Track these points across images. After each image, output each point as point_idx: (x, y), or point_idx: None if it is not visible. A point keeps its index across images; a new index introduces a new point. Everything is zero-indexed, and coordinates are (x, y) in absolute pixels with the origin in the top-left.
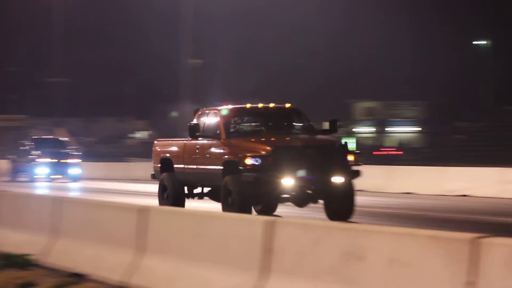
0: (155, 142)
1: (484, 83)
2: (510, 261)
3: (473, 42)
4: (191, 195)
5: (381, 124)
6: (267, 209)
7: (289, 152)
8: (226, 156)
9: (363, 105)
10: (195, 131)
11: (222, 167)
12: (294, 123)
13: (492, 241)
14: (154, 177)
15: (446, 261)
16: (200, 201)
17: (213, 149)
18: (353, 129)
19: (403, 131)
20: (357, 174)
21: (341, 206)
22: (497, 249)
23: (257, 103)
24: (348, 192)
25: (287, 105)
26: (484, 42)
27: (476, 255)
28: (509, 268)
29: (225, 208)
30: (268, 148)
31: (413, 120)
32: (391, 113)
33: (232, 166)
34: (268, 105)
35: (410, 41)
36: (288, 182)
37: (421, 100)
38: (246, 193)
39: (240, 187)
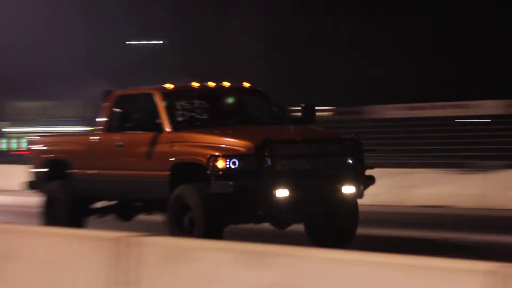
0: (33, 138)
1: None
2: (163, 259)
3: (127, 42)
4: (92, 212)
5: (37, 124)
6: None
7: (281, 149)
8: (176, 157)
9: (17, 106)
10: (122, 121)
11: (168, 172)
12: (259, 109)
13: (145, 240)
14: (34, 186)
15: (100, 260)
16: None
17: (152, 147)
18: (3, 129)
19: (63, 130)
20: (371, 181)
21: (342, 226)
22: (150, 247)
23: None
24: (354, 207)
25: (246, 84)
26: (160, 42)
27: (129, 254)
28: (163, 266)
29: (175, 232)
30: (249, 143)
31: (75, 119)
32: (52, 113)
33: (187, 171)
34: (223, 85)
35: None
36: (283, 193)
37: (81, 99)
38: (218, 212)
39: (207, 202)
